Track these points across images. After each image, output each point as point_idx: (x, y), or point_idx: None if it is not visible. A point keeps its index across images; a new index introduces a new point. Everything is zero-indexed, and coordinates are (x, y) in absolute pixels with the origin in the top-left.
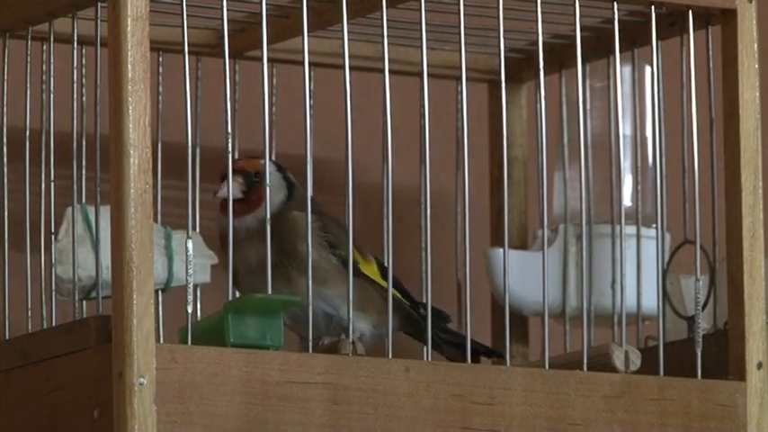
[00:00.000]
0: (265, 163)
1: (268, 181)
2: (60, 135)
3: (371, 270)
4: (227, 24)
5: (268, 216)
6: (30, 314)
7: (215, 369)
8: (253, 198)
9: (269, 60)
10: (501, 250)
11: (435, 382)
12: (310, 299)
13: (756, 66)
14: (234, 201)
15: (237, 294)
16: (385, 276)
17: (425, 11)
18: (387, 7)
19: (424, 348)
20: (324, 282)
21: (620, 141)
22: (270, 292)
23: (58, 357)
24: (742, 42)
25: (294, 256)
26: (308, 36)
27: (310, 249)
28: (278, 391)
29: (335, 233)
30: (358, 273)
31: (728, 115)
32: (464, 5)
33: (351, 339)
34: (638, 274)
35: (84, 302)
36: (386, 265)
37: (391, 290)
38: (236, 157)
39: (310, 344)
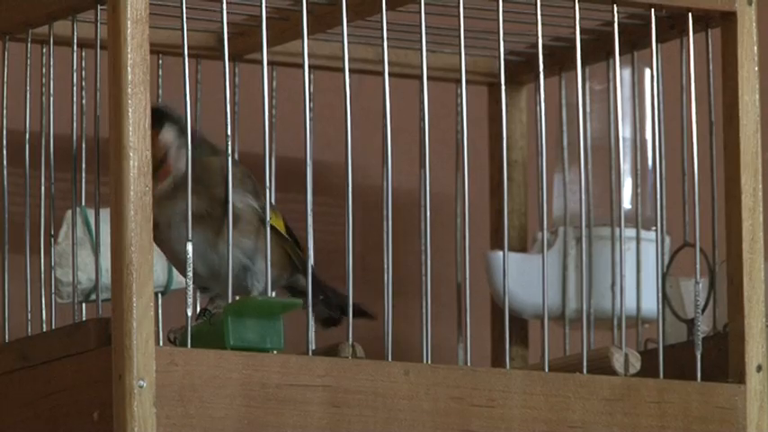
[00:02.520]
0: (266, 166)
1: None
2: (60, 138)
3: (279, 224)
4: (227, 27)
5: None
6: (29, 317)
7: (215, 372)
8: (165, 168)
9: (269, 63)
10: (501, 253)
11: (435, 385)
12: (309, 296)
13: (756, 68)
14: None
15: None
16: (290, 233)
17: (425, 14)
18: (386, 10)
19: (424, 351)
20: (245, 232)
21: (620, 144)
22: (199, 243)
23: (58, 360)
24: (741, 45)
25: (223, 205)
26: (308, 39)
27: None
28: (278, 394)
29: (255, 182)
30: (271, 228)
31: (728, 118)
32: (464, 8)
33: (350, 342)
34: (637, 276)
35: (84, 305)
36: (294, 237)
37: (390, 292)
38: (237, 156)
39: (310, 346)
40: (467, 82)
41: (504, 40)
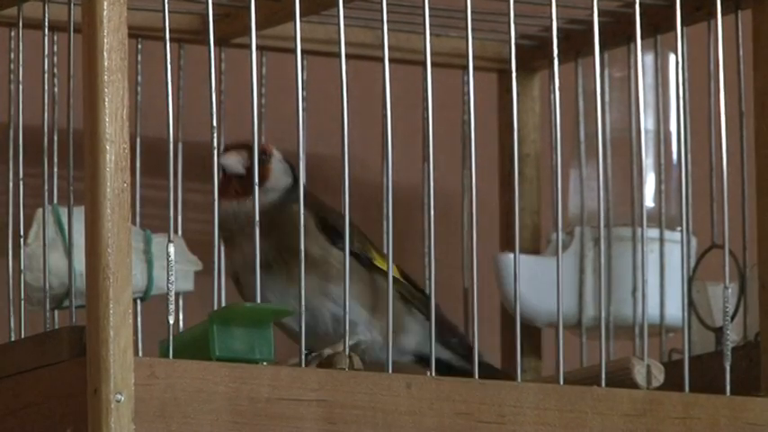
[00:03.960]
0: (255, 159)
1: (257, 180)
2: (30, 129)
3: (384, 265)
4: (213, 9)
5: (257, 218)
6: None
7: (199, 385)
8: (257, 174)
9: (258, 48)
10: (511, 255)
11: (440, 400)
12: (303, 307)
13: None
14: (235, 178)
15: (234, 297)
16: (406, 277)
17: None
18: None
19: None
20: (331, 278)
21: (642, 136)
22: (270, 291)
23: (28, 372)
24: None
25: (294, 251)
26: (301, 21)
27: (302, 245)
28: (268, 410)
29: (336, 226)
30: (371, 266)
31: (759, 107)
32: None
33: (347, 352)
34: (661, 281)
35: (57, 312)
36: (391, 270)
37: (391, 298)
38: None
39: (302, 357)
40: (474, 68)
41: (516, 23)
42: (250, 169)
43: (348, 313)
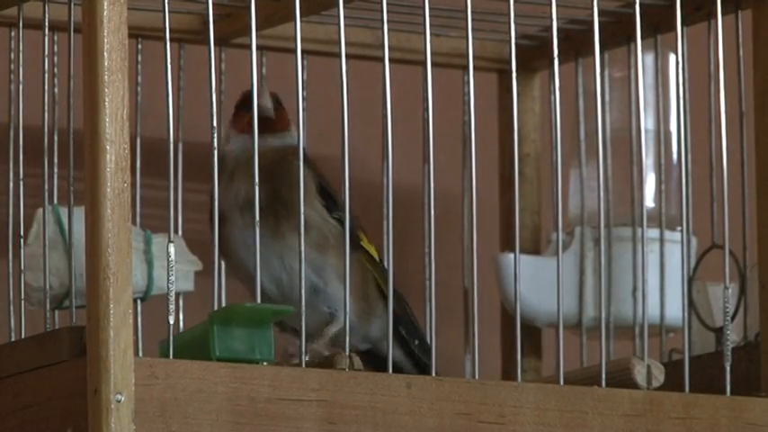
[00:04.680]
0: (254, 156)
1: (257, 179)
2: (30, 129)
3: (372, 250)
4: (213, 9)
5: (257, 209)
6: None
7: (199, 385)
8: (279, 118)
9: (258, 48)
10: (512, 255)
11: (440, 400)
12: (303, 310)
13: None
14: (265, 118)
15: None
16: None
17: None
18: None
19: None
20: (318, 247)
21: (642, 136)
22: (258, 239)
23: (28, 372)
24: None
25: (288, 207)
26: (301, 21)
27: (302, 253)
28: (268, 410)
29: (335, 197)
30: (357, 246)
31: (760, 107)
32: None
33: (348, 352)
34: (661, 281)
35: (57, 312)
36: (386, 268)
37: (391, 299)
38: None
39: (303, 357)
40: (475, 68)
41: (516, 23)
42: (276, 110)
43: (328, 287)
